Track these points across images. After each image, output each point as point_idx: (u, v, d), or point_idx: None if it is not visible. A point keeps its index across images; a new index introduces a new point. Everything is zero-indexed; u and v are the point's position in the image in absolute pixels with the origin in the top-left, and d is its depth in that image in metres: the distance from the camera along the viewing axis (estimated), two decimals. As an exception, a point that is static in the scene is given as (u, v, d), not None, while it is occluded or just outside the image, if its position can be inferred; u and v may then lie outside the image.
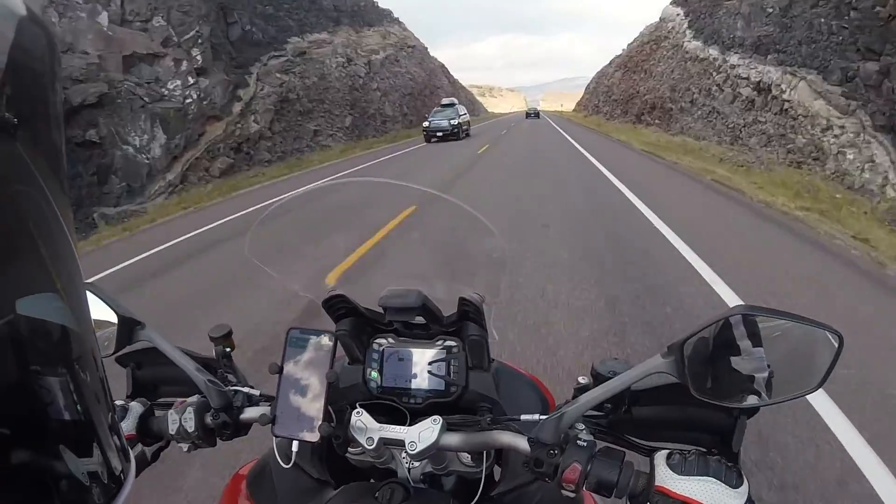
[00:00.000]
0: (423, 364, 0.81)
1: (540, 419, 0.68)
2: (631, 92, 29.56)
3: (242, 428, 0.79)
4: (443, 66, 53.99)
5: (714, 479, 0.57)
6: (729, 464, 0.59)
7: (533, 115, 58.77)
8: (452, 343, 0.82)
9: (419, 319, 0.83)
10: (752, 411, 0.66)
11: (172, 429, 0.77)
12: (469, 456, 0.78)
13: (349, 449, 0.77)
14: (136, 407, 0.81)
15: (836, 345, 0.58)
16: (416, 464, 0.77)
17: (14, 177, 0.28)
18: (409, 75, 36.27)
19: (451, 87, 52.65)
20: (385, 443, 0.71)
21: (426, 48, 46.50)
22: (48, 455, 0.30)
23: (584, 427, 0.68)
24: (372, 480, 0.81)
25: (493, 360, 0.85)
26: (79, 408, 0.33)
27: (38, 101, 0.30)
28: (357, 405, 0.73)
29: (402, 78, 34.29)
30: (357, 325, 0.85)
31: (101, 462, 0.34)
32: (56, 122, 0.32)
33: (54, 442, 0.31)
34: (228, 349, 0.85)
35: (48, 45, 0.31)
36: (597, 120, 37.02)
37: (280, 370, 0.69)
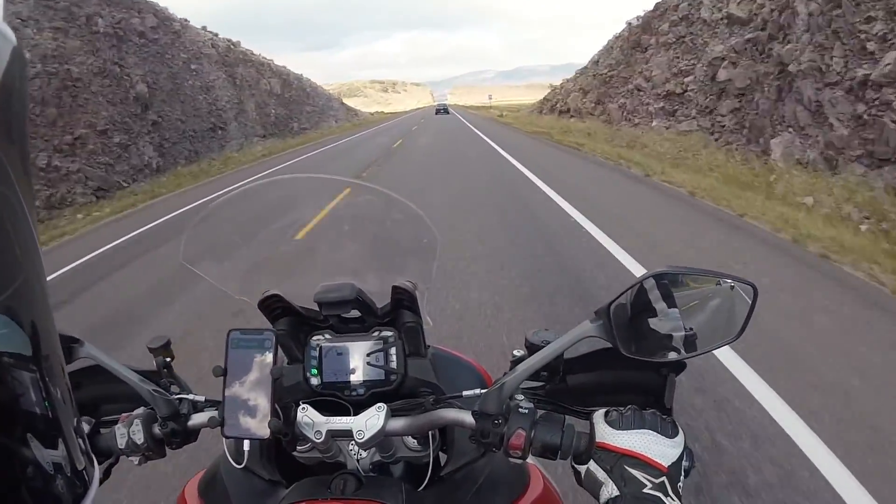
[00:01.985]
0: (362, 356, 0.81)
1: (481, 393, 0.71)
2: None
3: (191, 434, 0.78)
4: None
5: (650, 431, 0.60)
6: (663, 416, 0.63)
7: (442, 111, 61.60)
8: (388, 333, 0.83)
9: (354, 313, 0.83)
10: (680, 368, 0.71)
11: (121, 443, 0.75)
12: (415, 441, 0.82)
13: (297, 447, 0.77)
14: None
15: (752, 295, 0.65)
16: (364, 454, 0.80)
17: None
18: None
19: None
20: (333, 435, 0.72)
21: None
22: (15, 440, 0.32)
23: (524, 397, 0.71)
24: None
25: (430, 346, 0.86)
26: (46, 403, 0.34)
27: (15, 113, 0.32)
28: (301, 402, 0.74)
29: None
30: (294, 323, 0.85)
31: (65, 457, 0.36)
32: (26, 129, 0.34)
33: (23, 429, 0.33)
34: (169, 359, 0.83)
35: (23, 65, 0.33)
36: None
37: (224, 372, 0.69)
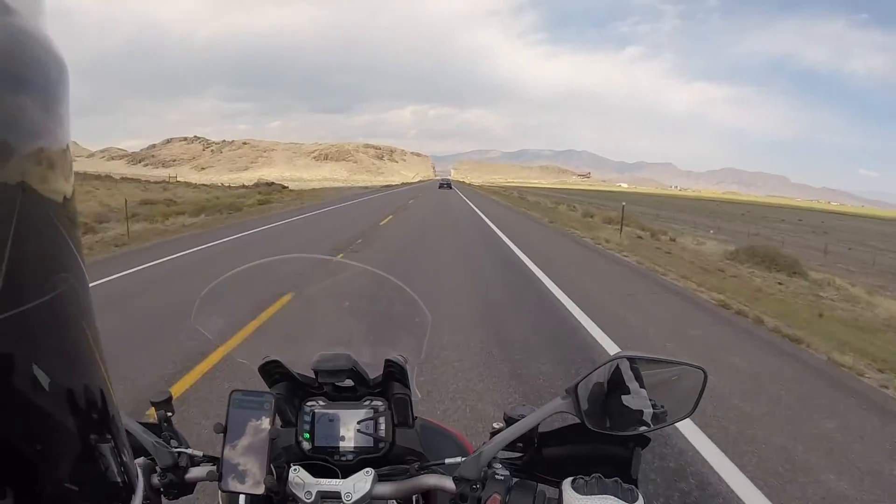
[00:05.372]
0: (352, 424, 0.86)
1: (461, 460, 0.76)
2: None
3: (188, 487, 0.80)
4: None
5: (612, 497, 0.65)
6: (625, 485, 0.68)
7: (445, 185, 61.79)
8: (379, 403, 0.87)
9: (348, 382, 0.89)
10: (645, 442, 0.78)
11: None
12: None
13: None
14: None
15: (702, 378, 0.74)
16: None
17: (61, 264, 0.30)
18: None
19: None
20: (322, 496, 0.76)
21: None
22: None
23: (501, 465, 0.77)
24: None
25: (417, 417, 0.90)
26: (122, 468, 0.38)
27: (58, 133, 0.30)
28: (292, 464, 0.79)
29: None
30: (290, 388, 0.90)
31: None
32: (69, 148, 0.32)
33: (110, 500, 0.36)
34: (169, 413, 0.86)
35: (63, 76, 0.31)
36: None
37: (224, 430, 0.72)
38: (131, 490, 0.38)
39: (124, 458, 0.37)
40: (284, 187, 42.87)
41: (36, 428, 0.30)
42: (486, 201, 36.21)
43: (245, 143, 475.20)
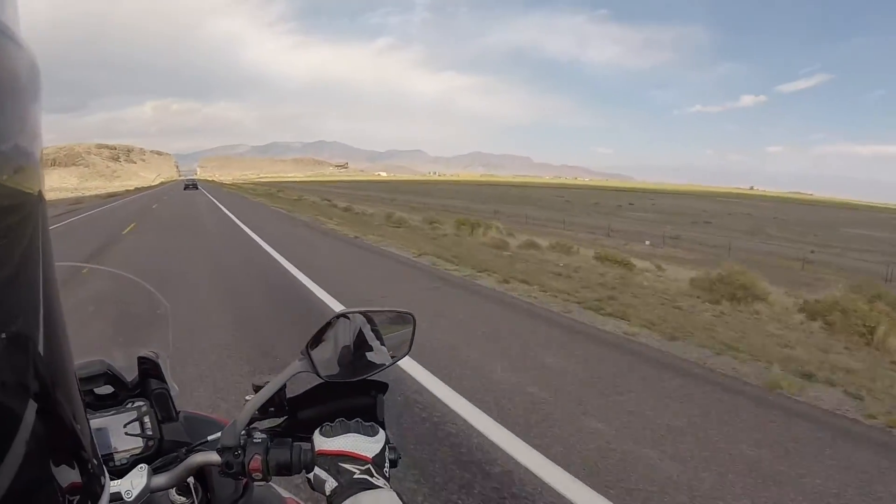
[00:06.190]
0: (119, 428, 0.87)
1: (220, 434, 0.80)
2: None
3: None
4: None
5: (354, 434, 0.77)
6: (366, 423, 0.79)
7: (192, 186, 59.74)
8: (140, 402, 0.89)
9: (108, 388, 0.89)
10: (384, 388, 0.88)
11: None
12: (182, 497, 0.87)
13: None
14: None
15: (412, 322, 0.88)
16: None
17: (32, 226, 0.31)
18: None
19: None
20: None
21: None
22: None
23: (259, 432, 0.80)
24: None
25: (181, 411, 0.93)
26: (94, 456, 0.41)
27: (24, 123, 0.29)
28: None
29: None
30: None
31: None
32: (38, 135, 0.32)
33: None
34: None
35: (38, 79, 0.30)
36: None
37: None
38: (102, 471, 0.41)
39: (95, 448, 0.40)
40: None
41: (45, 408, 0.32)
42: (285, 228, 16.47)
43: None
